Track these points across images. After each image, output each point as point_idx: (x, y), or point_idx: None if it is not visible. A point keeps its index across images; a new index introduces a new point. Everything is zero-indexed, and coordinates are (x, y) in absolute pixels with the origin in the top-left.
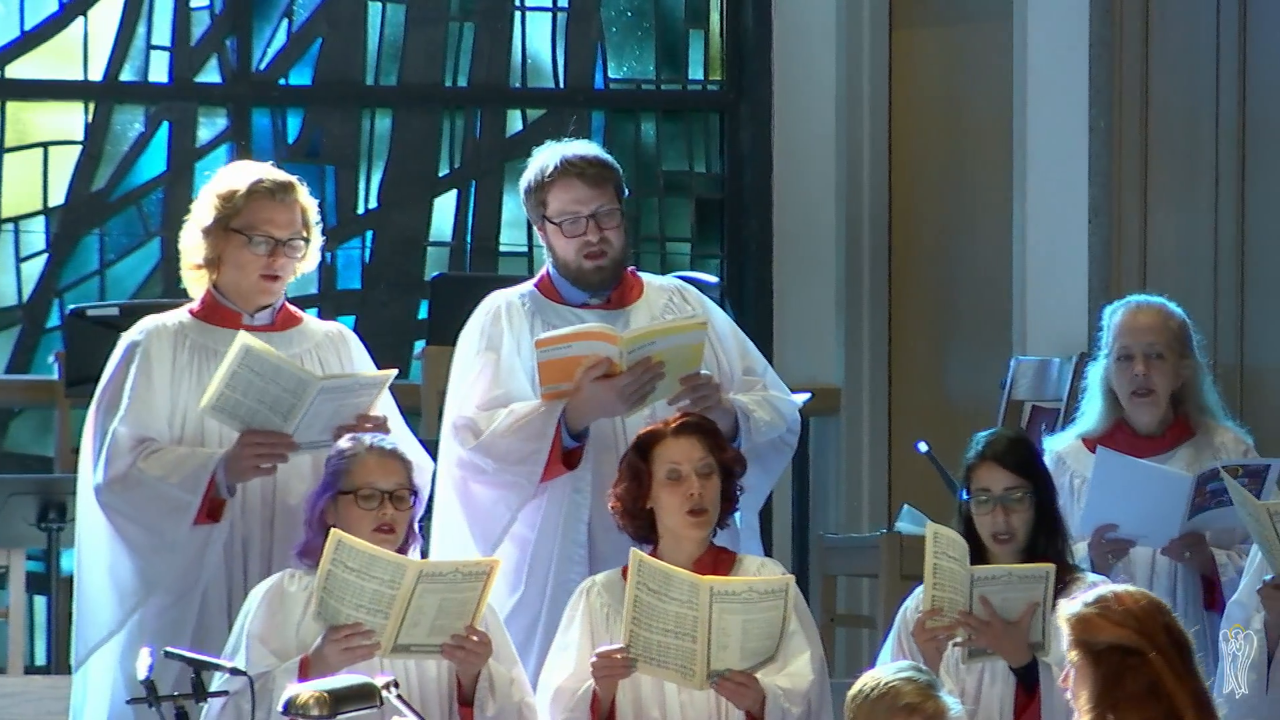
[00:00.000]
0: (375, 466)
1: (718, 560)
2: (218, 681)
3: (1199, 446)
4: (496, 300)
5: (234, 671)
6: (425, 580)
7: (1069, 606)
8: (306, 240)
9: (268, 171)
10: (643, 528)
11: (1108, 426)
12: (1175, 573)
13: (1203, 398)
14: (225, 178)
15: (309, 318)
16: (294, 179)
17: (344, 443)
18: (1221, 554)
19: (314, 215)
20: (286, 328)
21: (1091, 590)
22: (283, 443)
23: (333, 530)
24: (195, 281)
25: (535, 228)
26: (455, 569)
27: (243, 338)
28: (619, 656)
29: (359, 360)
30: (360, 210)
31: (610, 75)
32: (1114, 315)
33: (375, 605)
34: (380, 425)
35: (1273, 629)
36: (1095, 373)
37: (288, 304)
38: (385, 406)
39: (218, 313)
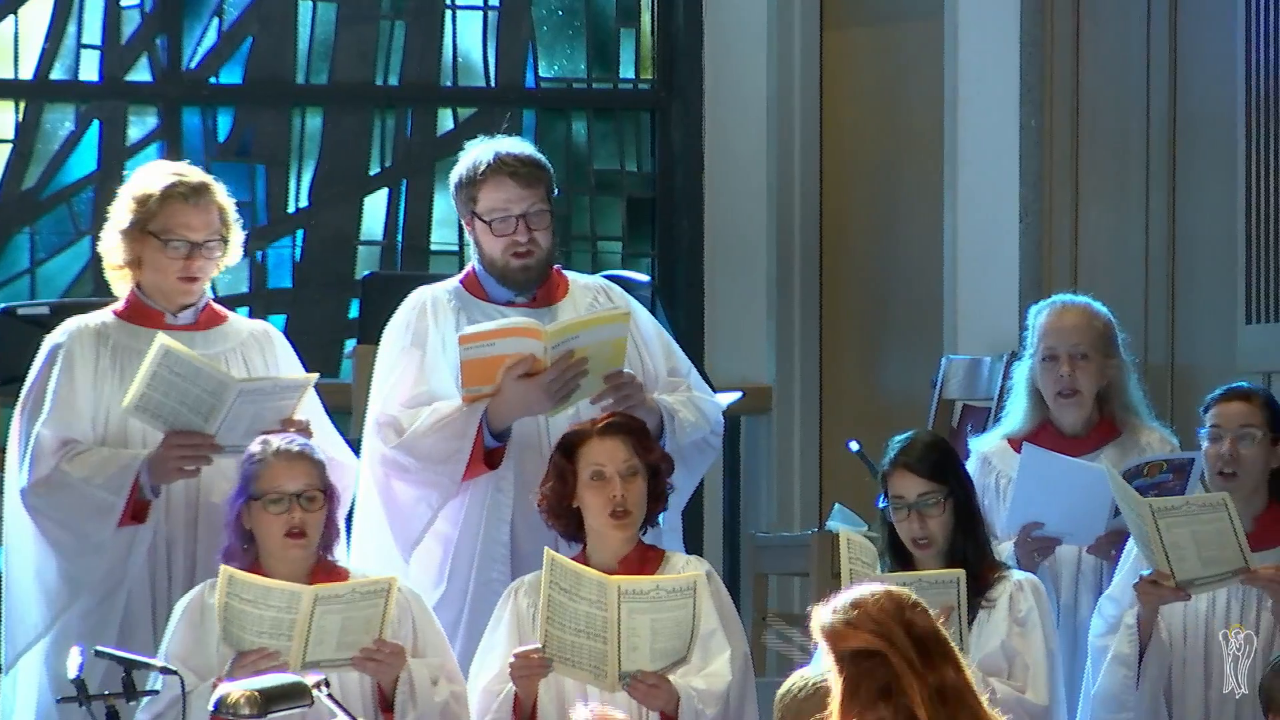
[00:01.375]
0: (281, 471)
1: (645, 558)
2: (148, 681)
3: (1124, 447)
4: (422, 296)
5: (165, 670)
6: (322, 603)
7: (821, 616)
8: (225, 240)
9: (183, 173)
10: (570, 526)
11: (1033, 426)
12: (1101, 570)
13: (1128, 398)
14: (141, 180)
15: (234, 316)
16: (209, 179)
17: (254, 446)
18: None
19: (232, 214)
20: (210, 326)
21: (838, 596)
22: (205, 444)
23: (222, 567)
24: (119, 280)
25: (463, 222)
26: (352, 589)
27: (161, 338)
28: (535, 657)
29: (284, 359)
30: (291, 209)
31: (541, 74)
32: (1039, 316)
33: (276, 630)
34: (303, 430)
35: (1145, 624)
36: (1020, 373)
37: (212, 302)
38: (310, 408)
39: (141, 313)
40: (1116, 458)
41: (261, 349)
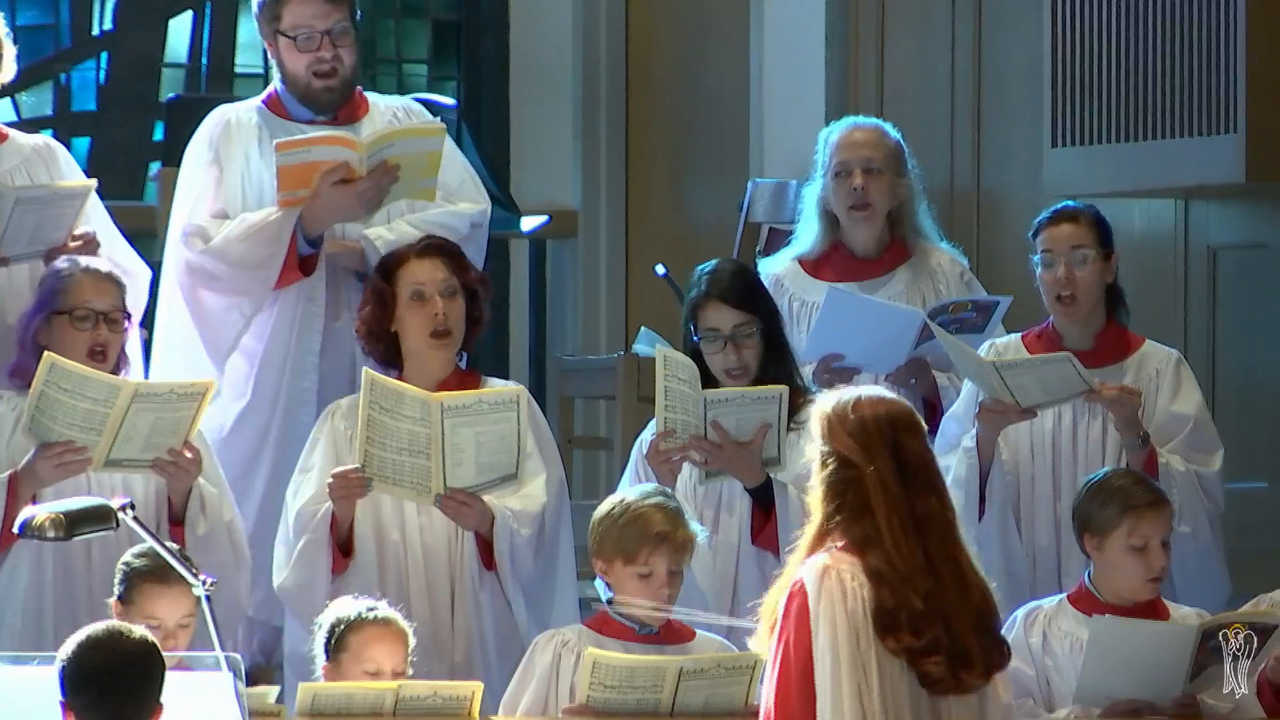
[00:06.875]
0: (90, 288)
1: (464, 382)
2: None
3: (916, 269)
4: (225, 114)
5: None
6: (139, 400)
7: (824, 403)
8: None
9: None
10: (388, 351)
11: (824, 248)
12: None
13: (917, 220)
14: None
15: (14, 133)
16: None
17: (60, 263)
18: (943, 376)
19: (3, 28)
20: None
21: (849, 390)
22: None
23: (46, 353)
24: None
25: (266, 43)
26: (170, 389)
27: None
28: (354, 476)
29: (67, 171)
30: (95, 31)
31: None
32: (831, 135)
33: (88, 424)
34: (90, 242)
35: (985, 445)
36: (811, 195)
37: None
38: (97, 218)
39: None
40: (909, 280)
41: (45, 163)
